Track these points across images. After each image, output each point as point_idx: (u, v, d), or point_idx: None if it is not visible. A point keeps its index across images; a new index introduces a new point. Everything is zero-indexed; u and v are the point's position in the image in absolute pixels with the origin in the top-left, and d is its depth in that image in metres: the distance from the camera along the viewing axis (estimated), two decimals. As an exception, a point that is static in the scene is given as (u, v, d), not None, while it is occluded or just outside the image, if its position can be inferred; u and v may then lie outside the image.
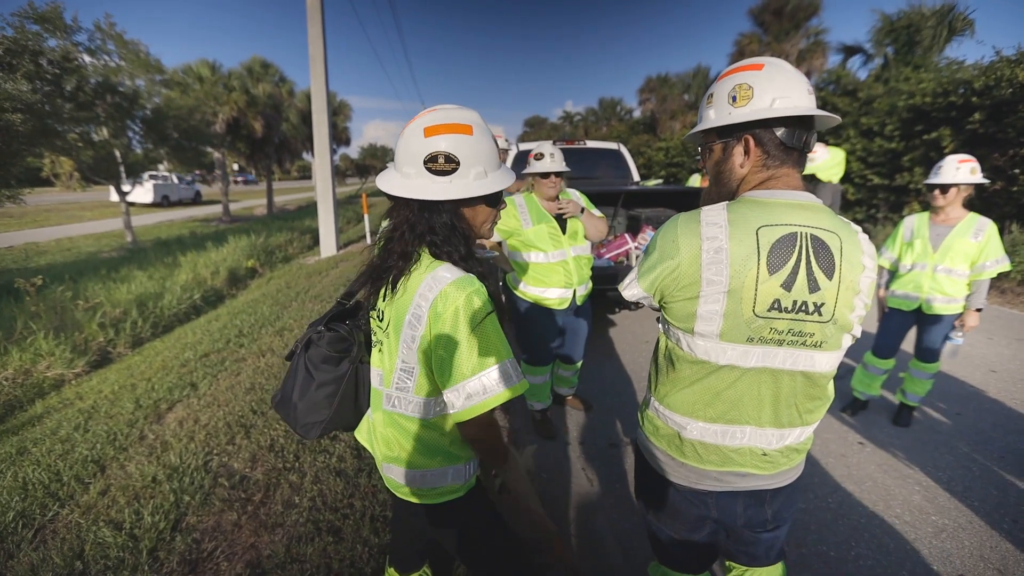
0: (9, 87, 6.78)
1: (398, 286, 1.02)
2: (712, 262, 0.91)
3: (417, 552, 1.39)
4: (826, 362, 0.97)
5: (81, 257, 10.48)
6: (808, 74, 17.72)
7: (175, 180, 25.13)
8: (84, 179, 12.32)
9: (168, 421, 3.23)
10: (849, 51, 14.10)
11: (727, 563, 1.25)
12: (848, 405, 3.14)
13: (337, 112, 24.12)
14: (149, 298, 6.27)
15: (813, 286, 0.90)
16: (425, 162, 0.99)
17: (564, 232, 2.57)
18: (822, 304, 0.91)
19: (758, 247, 0.90)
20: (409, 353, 1.03)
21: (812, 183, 3.59)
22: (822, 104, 10.30)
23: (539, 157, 2.52)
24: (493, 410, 1.01)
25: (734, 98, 0.97)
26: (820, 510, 2.24)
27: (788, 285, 0.90)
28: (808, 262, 0.90)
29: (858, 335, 0.99)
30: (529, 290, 2.61)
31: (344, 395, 1.15)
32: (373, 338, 1.16)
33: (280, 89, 19.28)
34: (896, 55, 12.30)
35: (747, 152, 0.98)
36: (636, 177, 5.80)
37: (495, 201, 1.12)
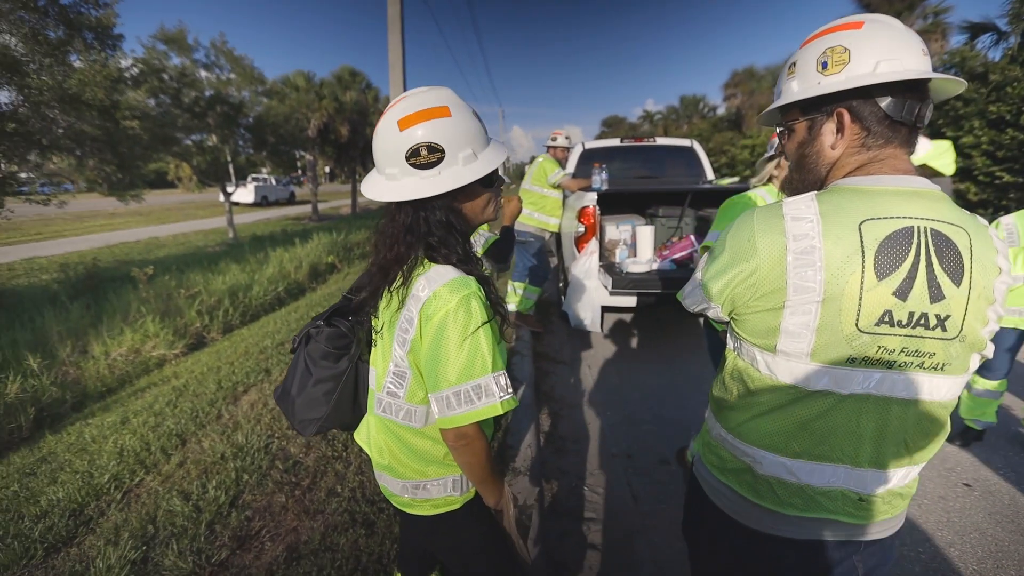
0: (130, 97, 7.78)
1: (394, 288, 0.97)
2: (801, 264, 0.75)
3: (420, 560, 1.34)
4: (948, 389, 0.78)
5: (190, 251, 11.78)
6: (924, 59, 15.63)
7: (273, 182, 27.62)
8: (200, 182, 13.89)
9: (242, 403, 3.49)
10: (976, 29, 12.25)
11: None
12: (959, 434, 2.70)
13: (417, 116, 25.16)
14: (240, 288, 6.88)
15: (936, 294, 0.73)
16: (407, 158, 0.91)
17: None
18: (947, 317, 0.73)
19: (862, 246, 0.73)
20: (401, 357, 0.98)
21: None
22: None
23: None
24: (478, 423, 0.94)
25: (825, 64, 0.80)
26: (907, 560, 1.93)
27: (903, 293, 0.73)
28: (929, 264, 0.73)
29: (990, 355, 0.79)
30: None
31: (342, 394, 1.12)
32: (373, 336, 1.12)
33: (366, 96, 20.47)
34: (1039, 32, 10.50)
35: (840, 129, 0.81)
36: (710, 175, 5.44)
37: (492, 181, 1.02)
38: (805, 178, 0.89)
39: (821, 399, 0.79)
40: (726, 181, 4.79)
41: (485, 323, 0.91)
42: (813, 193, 0.81)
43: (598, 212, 3.78)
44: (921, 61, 0.77)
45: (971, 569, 1.88)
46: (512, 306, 4.61)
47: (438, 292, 0.91)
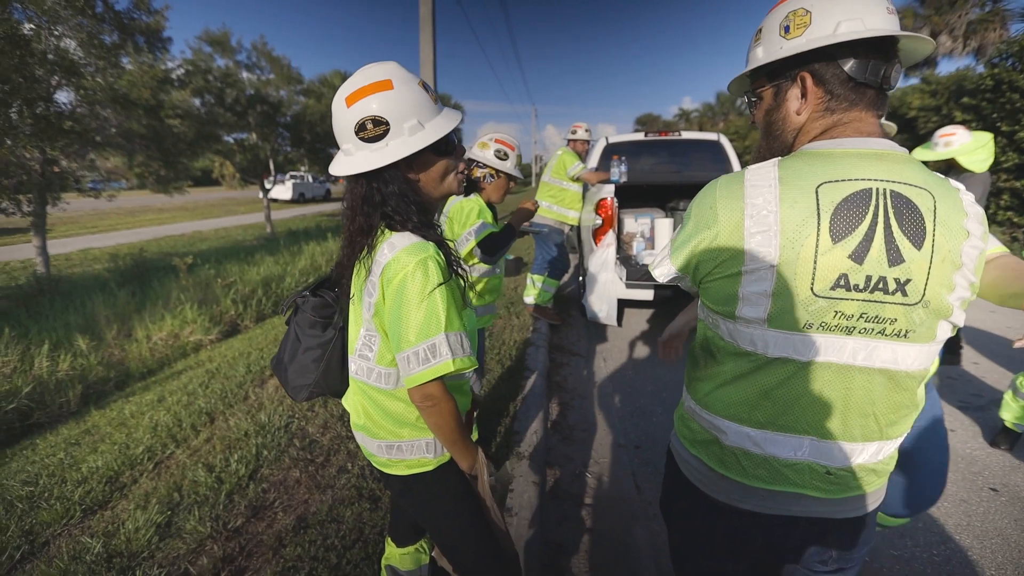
0: (174, 96, 8.24)
1: (361, 259, 1.03)
2: (757, 230, 0.74)
3: (409, 524, 1.39)
4: (914, 358, 0.76)
5: (230, 244, 12.31)
6: (979, 49, 14.69)
7: (310, 179, 28.49)
8: (242, 179, 14.54)
9: (268, 386, 3.66)
10: (1041, 17, 11.45)
11: None
12: (999, 435, 2.56)
13: (450, 114, 25.54)
14: (274, 279, 7.17)
15: (894, 258, 0.71)
16: (356, 132, 0.97)
17: None
18: (907, 281, 0.71)
19: (818, 209, 0.71)
20: (368, 321, 1.04)
21: (956, 174, 2.94)
22: (994, 84, 8.54)
23: None
24: (440, 380, 0.98)
25: (787, 28, 0.80)
26: (919, 561, 1.86)
27: (859, 256, 0.71)
28: (887, 226, 0.70)
29: (960, 323, 0.76)
30: None
31: (330, 361, 1.18)
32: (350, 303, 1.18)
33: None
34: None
35: (804, 94, 0.80)
36: (736, 169, 5.31)
37: (445, 150, 1.05)
38: (772, 145, 0.88)
39: (781, 367, 0.78)
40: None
41: (441, 284, 0.95)
42: (776, 160, 0.80)
43: (615, 204, 3.77)
44: (886, 20, 0.75)
45: (988, 574, 1.80)
46: (530, 298, 4.64)
47: (397, 256, 0.96)
